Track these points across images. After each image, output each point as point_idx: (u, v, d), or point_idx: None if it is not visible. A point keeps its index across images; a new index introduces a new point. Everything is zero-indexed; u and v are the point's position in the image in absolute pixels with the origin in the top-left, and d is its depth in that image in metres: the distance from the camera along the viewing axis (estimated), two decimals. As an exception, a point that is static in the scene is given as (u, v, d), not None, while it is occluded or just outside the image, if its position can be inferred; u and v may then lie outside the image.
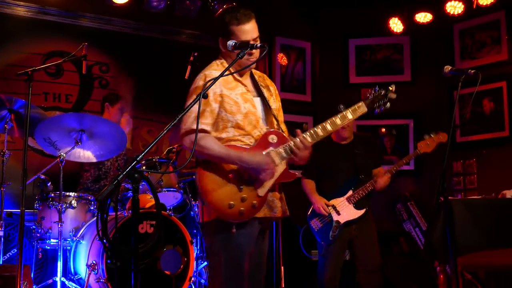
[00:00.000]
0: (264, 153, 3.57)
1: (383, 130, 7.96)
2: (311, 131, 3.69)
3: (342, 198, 5.55)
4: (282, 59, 8.05)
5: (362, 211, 5.53)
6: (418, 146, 5.51)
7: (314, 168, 5.63)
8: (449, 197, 4.37)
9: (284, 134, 3.68)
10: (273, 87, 3.94)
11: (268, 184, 3.59)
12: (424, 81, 7.92)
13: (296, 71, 8.18)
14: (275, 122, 3.76)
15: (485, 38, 7.46)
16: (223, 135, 3.63)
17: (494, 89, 7.26)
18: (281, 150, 3.61)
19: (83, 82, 6.98)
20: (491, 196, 5.52)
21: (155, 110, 7.22)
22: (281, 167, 3.62)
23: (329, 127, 3.76)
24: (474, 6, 7.03)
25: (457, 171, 7.37)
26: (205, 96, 3.21)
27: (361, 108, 3.96)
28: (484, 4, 6.97)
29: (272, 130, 3.67)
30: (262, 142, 3.62)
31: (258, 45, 3.44)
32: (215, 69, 3.68)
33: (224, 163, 3.55)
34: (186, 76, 5.50)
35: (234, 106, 3.62)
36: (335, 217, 5.52)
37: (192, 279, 5.36)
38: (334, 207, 5.54)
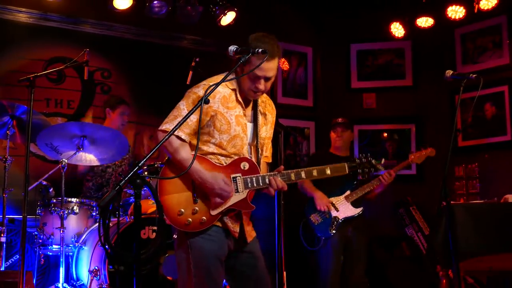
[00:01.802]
0: (231, 176, 3.61)
1: (385, 134, 7.95)
2: (295, 171, 3.75)
3: (340, 197, 5.91)
4: (283, 64, 8.06)
5: (359, 210, 5.89)
6: (410, 157, 5.93)
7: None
8: (451, 202, 4.38)
9: (257, 166, 3.69)
10: (271, 115, 3.94)
11: (221, 206, 3.59)
12: (425, 86, 7.91)
13: (298, 76, 8.18)
14: (259, 152, 3.77)
15: (487, 43, 7.46)
16: (204, 147, 3.65)
17: (496, 93, 7.25)
18: (249, 179, 3.64)
19: (85, 88, 6.98)
20: (493, 201, 5.52)
21: (157, 115, 7.21)
22: (241, 195, 3.63)
23: (303, 174, 3.80)
24: (476, 10, 7.02)
25: (459, 175, 7.35)
26: (207, 102, 3.23)
27: (342, 169, 3.93)
28: (486, 8, 6.96)
29: (246, 157, 3.69)
30: (233, 166, 3.65)
31: (260, 50, 3.43)
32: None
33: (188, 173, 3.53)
34: (188, 81, 5.51)
35: (225, 126, 3.63)
36: (334, 213, 5.87)
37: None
38: (333, 204, 5.88)
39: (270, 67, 3.61)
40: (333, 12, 8.13)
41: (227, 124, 3.63)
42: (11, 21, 6.61)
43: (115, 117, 6.23)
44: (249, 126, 3.77)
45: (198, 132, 3.35)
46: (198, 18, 7.10)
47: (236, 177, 3.63)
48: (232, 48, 3.49)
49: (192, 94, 3.65)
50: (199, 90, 3.64)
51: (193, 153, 3.51)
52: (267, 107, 3.91)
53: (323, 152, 6.59)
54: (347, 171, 3.93)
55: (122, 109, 6.28)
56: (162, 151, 3.93)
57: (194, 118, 3.57)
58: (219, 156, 3.66)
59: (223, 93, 3.66)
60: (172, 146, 3.57)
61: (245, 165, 3.66)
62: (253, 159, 3.72)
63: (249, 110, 3.80)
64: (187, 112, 3.51)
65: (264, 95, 3.91)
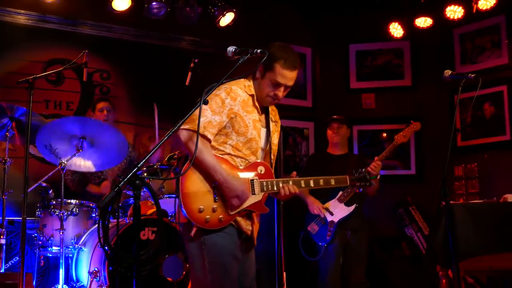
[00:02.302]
0: (249, 179, 3.71)
1: (384, 135, 7.95)
2: (305, 180, 3.91)
3: (333, 200, 5.89)
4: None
5: (353, 207, 5.84)
6: (395, 138, 5.86)
7: (307, 174, 5.75)
8: (451, 202, 4.38)
9: (272, 171, 3.83)
10: (279, 123, 4.08)
11: (240, 207, 3.67)
12: (424, 86, 7.92)
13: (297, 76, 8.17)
14: (271, 157, 3.91)
15: (485, 43, 7.46)
16: (220, 148, 3.73)
17: (494, 93, 7.26)
18: (265, 183, 3.75)
19: (84, 90, 6.99)
20: (493, 200, 5.52)
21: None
22: (257, 197, 3.73)
23: (312, 183, 3.98)
24: (474, 10, 7.03)
25: (459, 175, 7.36)
26: (205, 102, 3.24)
27: (344, 182, 4.18)
28: (484, 8, 6.96)
29: (263, 162, 3.82)
30: (251, 169, 3.76)
31: (259, 50, 3.44)
32: (241, 88, 3.77)
33: (209, 172, 3.59)
34: (187, 83, 5.51)
35: (243, 128, 3.72)
36: (329, 218, 5.86)
37: (194, 285, 5.36)
38: (327, 209, 5.87)
39: (293, 77, 3.78)
40: (331, 13, 8.13)
41: (245, 127, 3.72)
42: (10, 23, 6.61)
43: (97, 114, 6.23)
44: (263, 131, 3.88)
45: (197, 137, 3.30)
46: (197, 19, 7.10)
47: (254, 180, 3.73)
48: (231, 48, 3.49)
49: (215, 97, 3.67)
50: (221, 93, 3.70)
51: (213, 152, 3.65)
52: (276, 115, 4.05)
53: (321, 153, 6.65)
54: (348, 183, 4.19)
55: (101, 105, 6.26)
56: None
57: (218, 118, 3.65)
58: (235, 158, 3.73)
59: (243, 97, 3.75)
60: (193, 143, 3.52)
61: (262, 169, 3.77)
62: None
63: (263, 117, 3.91)
64: (210, 112, 3.61)
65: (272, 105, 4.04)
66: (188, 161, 3.66)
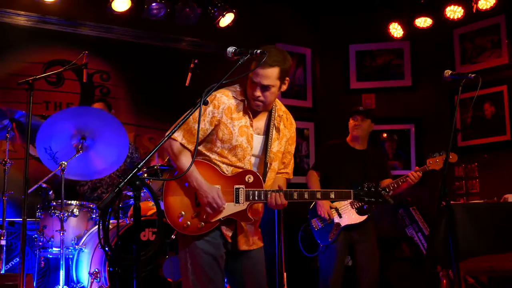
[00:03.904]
0: (234, 187, 3.65)
1: (385, 135, 7.95)
2: (299, 192, 3.72)
3: (345, 202, 5.56)
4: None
5: (364, 217, 5.53)
6: (427, 162, 5.41)
7: (323, 163, 5.66)
8: (451, 202, 4.38)
9: (261, 180, 3.69)
10: (288, 130, 3.93)
11: (218, 215, 3.63)
12: (424, 86, 7.92)
13: (297, 77, 8.18)
14: (267, 165, 3.78)
15: (485, 42, 7.47)
16: (207, 153, 3.72)
17: (495, 93, 7.26)
18: (251, 192, 3.66)
19: (84, 91, 6.99)
20: (493, 200, 5.52)
21: (156, 117, 7.22)
22: (241, 206, 3.66)
23: (306, 195, 3.76)
24: (474, 10, 7.03)
25: (459, 175, 7.37)
26: (206, 103, 3.24)
27: (347, 195, 3.88)
28: (484, 8, 6.97)
29: (252, 170, 3.71)
30: (238, 177, 3.68)
31: (258, 51, 3.41)
32: (227, 95, 3.71)
33: (186, 178, 3.62)
34: (187, 83, 5.50)
35: (227, 136, 3.67)
36: (336, 219, 5.56)
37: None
38: (336, 210, 5.57)
39: (266, 74, 3.60)
40: (331, 13, 8.13)
41: (229, 134, 3.66)
42: (10, 24, 6.62)
43: None
44: (258, 138, 3.78)
45: (197, 138, 3.40)
46: (196, 20, 7.11)
47: (239, 188, 3.66)
48: (231, 49, 3.46)
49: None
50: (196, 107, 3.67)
51: (200, 158, 3.67)
52: (284, 121, 3.90)
53: (340, 142, 5.96)
54: (352, 198, 3.89)
55: (95, 106, 6.25)
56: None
57: (197, 126, 3.58)
58: (220, 164, 3.69)
59: (227, 104, 3.68)
60: (173, 151, 3.68)
61: (249, 178, 3.67)
62: (259, 172, 3.73)
63: (259, 122, 3.81)
64: (191, 119, 3.61)
65: (284, 109, 3.94)
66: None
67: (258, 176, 3.68)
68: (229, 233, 3.72)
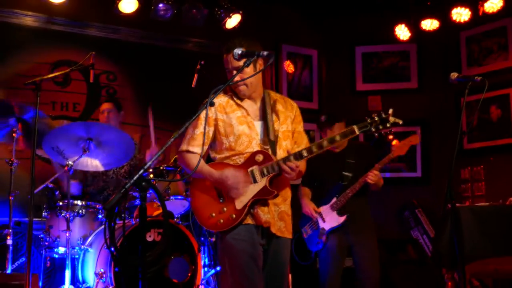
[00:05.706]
0: (248, 170, 3.75)
1: (391, 137, 7.94)
2: (307, 148, 3.79)
3: (327, 206, 5.56)
4: (288, 66, 8.07)
5: (343, 218, 5.47)
6: (391, 149, 5.45)
7: (309, 176, 5.64)
8: (457, 204, 4.37)
9: (270, 154, 3.78)
10: (289, 111, 4.01)
11: (244, 198, 3.73)
12: (431, 88, 7.91)
13: (303, 78, 8.19)
14: (274, 143, 3.85)
15: (492, 45, 7.46)
16: (218, 156, 3.89)
17: (501, 95, 7.25)
18: (263, 168, 3.74)
19: (91, 91, 7.00)
20: (499, 203, 5.51)
21: (163, 118, 7.21)
22: (260, 184, 3.75)
23: (314, 148, 3.80)
24: (481, 13, 7.02)
25: (465, 178, 7.36)
26: (212, 104, 3.29)
27: (351, 132, 3.85)
28: (491, 11, 6.96)
29: (258, 150, 3.80)
30: (249, 161, 3.79)
31: (265, 53, 3.44)
32: (219, 95, 3.82)
33: (206, 179, 3.80)
34: (193, 85, 5.52)
35: (228, 128, 3.83)
36: (321, 224, 5.58)
37: (200, 287, 5.36)
38: (320, 214, 5.58)
39: (226, 60, 3.82)
40: (338, 15, 8.13)
41: (230, 126, 3.83)
42: (17, 24, 6.64)
43: (99, 116, 6.27)
44: (258, 124, 3.90)
45: (204, 133, 3.59)
46: (203, 21, 7.11)
47: (253, 169, 3.76)
48: (237, 51, 3.50)
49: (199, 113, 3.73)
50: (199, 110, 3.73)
51: (216, 159, 3.85)
52: (281, 103, 4.01)
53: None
54: (357, 133, 3.85)
55: (103, 107, 6.28)
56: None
57: (198, 131, 3.83)
58: (233, 157, 3.82)
59: (218, 103, 3.87)
60: (184, 161, 3.88)
61: (259, 157, 3.77)
62: (270, 151, 3.81)
63: (254, 110, 3.93)
64: (191, 128, 3.85)
65: (279, 95, 4.07)
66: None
67: (266, 153, 3.78)
68: (267, 217, 3.75)
